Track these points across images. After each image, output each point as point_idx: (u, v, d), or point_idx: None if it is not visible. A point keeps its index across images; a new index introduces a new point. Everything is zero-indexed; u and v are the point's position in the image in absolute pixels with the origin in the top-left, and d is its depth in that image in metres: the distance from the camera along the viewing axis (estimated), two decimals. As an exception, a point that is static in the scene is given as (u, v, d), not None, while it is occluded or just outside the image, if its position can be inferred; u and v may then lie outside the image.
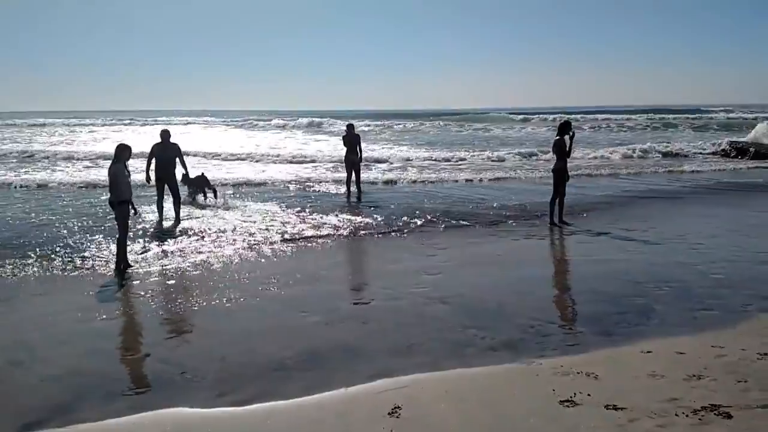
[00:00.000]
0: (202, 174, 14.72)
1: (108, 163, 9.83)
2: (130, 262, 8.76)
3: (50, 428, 4.37)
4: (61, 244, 9.97)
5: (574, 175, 18.68)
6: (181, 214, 12.11)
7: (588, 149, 27.41)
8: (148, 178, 11.99)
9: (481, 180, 18.82)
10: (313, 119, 56.04)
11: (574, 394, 4.58)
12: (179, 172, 12.44)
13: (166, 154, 11.93)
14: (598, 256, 9.25)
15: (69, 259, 9.14)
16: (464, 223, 11.96)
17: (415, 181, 18.34)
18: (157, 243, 10.09)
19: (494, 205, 13.86)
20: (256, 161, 23.66)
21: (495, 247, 9.89)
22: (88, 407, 4.63)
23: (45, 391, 4.92)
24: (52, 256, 9.27)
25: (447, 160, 23.77)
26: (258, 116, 71.42)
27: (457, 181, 18.64)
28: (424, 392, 4.73)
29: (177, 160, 12.09)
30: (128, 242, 9.04)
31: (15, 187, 17.21)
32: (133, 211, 8.90)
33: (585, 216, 12.44)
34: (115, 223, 8.83)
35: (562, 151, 11.27)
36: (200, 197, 14.31)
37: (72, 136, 41.23)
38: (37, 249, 9.64)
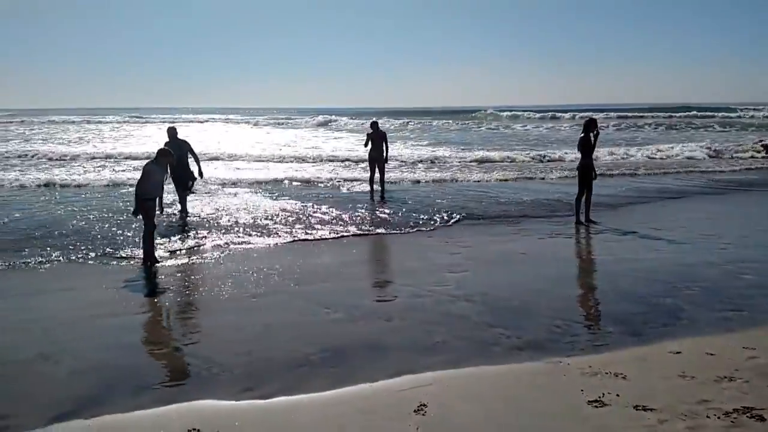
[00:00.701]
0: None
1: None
2: (157, 257, 8.86)
3: (79, 420, 4.43)
4: (90, 240, 10.15)
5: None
6: (206, 211, 12.35)
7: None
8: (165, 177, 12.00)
9: (505, 179, 18.66)
10: (328, 116, 56.59)
11: (603, 394, 4.52)
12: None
13: (180, 151, 11.53)
14: (626, 255, 9.12)
15: (97, 254, 9.28)
16: (488, 221, 11.91)
17: (437, 180, 18.23)
18: (179, 239, 10.19)
19: (518, 203, 13.81)
20: (275, 161, 23.55)
21: (519, 246, 9.80)
22: (116, 400, 4.68)
23: (74, 384, 4.98)
24: (82, 251, 9.41)
25: (475, 159, 23.50)
26: (265, 114, 72.44)
27: (479, 180, 18.48)
28: (449, 391, 4.70)
29: (189, 156, 11.98)
30: (157, 238, 9.15)
31: (53, 186, 17.48)
32: (159, 210, 9.00)
33: (613, 214, 12.30)
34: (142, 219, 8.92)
35: (587, 149, 11.15)
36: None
37: (99, 133, 41.87)
38: (67, 244, 9.81)
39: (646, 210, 13.25)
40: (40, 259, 8.95)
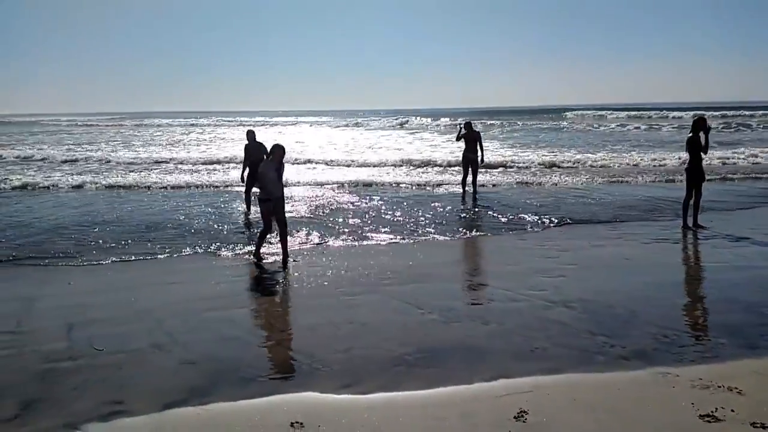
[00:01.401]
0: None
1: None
2: (261, 256, 9.10)
3: (189, 407, 4.66)
4: (199, 236, 10.72)
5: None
6: (303, 212, 12.83)
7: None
8: (242, 177, 13.01)
9: (604, 180, 18.00)
10: (406, 117, 56.93)
11: (716, 408, 4.26)
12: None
13: (256, 153, 12.43)
14: (738, 262, 8.55)
15: (206, 250, 9.78)
16: (586, 224, 11.53)
17: (530, 183, 17.84)
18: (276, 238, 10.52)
19: (619, 206, 13.28)
20: (359, 165, 23.63)
21: (622, 251, 9.40)
22: (223, 390, 4.89)
23: (183, 374, 5.25)
24: (191, 247, 9.96)
25: (569, 161, 22.81)
26: (336, 115, 73.92)
27: (575, 181, 17.91)
28: (550, 398, 4.58)
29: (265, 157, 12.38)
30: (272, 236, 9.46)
31: (164, 188, 18.57)
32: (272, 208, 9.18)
33: (723, 219, 11.58)
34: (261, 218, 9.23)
35: (695, 150, 10.56)
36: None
37: (188, 136, 44.02)
38: (180, 240, 10.46)
39: (760, 215, 12.39)
40: (153, 254, 9.58)
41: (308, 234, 10.71)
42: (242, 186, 13.29)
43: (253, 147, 12.75)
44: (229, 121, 72.27)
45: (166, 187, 18.00)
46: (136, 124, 66.76)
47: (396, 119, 60.76)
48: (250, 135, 13.06)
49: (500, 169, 21.05)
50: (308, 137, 39.11)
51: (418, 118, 61.37)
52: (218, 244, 10.18)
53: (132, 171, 22.00)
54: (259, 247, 9.14)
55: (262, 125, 60.25)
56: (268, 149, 9.37)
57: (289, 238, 10.38)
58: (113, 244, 10.25)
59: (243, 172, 12.99)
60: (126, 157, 27.26)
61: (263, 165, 9.04)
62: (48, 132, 53.64)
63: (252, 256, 9.17)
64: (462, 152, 15.56)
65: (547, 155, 24.64)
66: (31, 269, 8.89)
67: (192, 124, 66.12)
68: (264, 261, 9.03)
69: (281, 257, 8.99)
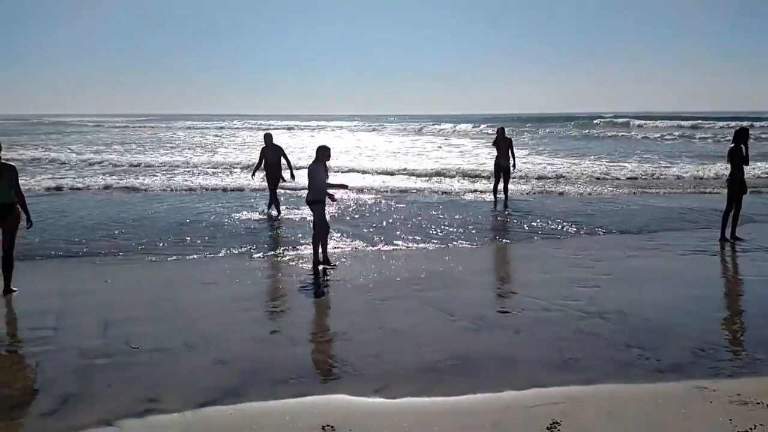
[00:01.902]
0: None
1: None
2: (324, 259, 8.97)
3: (221, 406, 4.71)
4: (235, 237, 10.93)
5: None
6: (337, 216, 12.84)
7: None
8: (253, 174, 14.44)
9: (638, 189, 17.71)
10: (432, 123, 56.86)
11: (755, 426, 4.15)
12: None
13: (273, 155, 13.30)
14: (779, 277, 8.33)
15: (241, 251, 9.94)
16: (623, 233, 11.36)
17: (561, 192, 17.58)
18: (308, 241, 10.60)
19: (656, 216, 13.04)
20: (394, 172, 23.56)
21: (658, 262, 9.22)
22: (254, 391, 4.93)
23: (216, 374, 5.30)
24: (227, 247, 10.14)
25: (602, 170, 22.48)
26: (366, 120, 74.19)
27: (611, 191, 17.65)
28: (583, 410, 4.51)
29: (282, 159, 13.37)
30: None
31: (197, 189, 18.86)
32: (331, 199, 9.05)
33: (763, 232, 11.29)
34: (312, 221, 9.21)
35: (737, 161, 10.32)
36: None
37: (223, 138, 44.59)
38: (214, 241, 10.66)
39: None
40: (188, 254, 9.76)
41: (339, 238, 10.75)
42: (250, 180, 14.87)
43: (270, 149, 13.35)
44: (260, 124, 72.98)
45: (198, 189, 18.26)
46: (165, 126, 68.10)
47: (420, 124, 60.85)
48: (268, 138, 13.60)
49: (531, 177, 20.83)
50: (338, 142, 39.36)
51: (441, 124, 61.18)
52: (251, 245, 10.32)
53: (165, 172, 22.38)
54: (316, 250, 8.98)
55: (288, 129, 60.92)
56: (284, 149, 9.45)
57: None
58: (149, 244, 10.46)
59: (255, 170, 14.13)
60: (158, 158, 27.82)
61: (314, 167, 8.87)
62: (81, 133, 54.77)
63: (313, 264, 8.99)
64: (494, 159, 15.48)
65: (583, 164, 24.36)
66: (70, 266, 9.13)
67: (221, 127, 67.12)
68: (331, 267, 8.93)
69: (322, 259, 8.97)
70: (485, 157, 25.93)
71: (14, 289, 7.68)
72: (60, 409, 4.66)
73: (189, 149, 34.75)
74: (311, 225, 9.32)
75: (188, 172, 22.73)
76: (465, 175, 21.49)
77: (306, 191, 9.25)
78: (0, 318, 6.87)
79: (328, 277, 8.40)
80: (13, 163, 7.79)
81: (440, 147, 35.68)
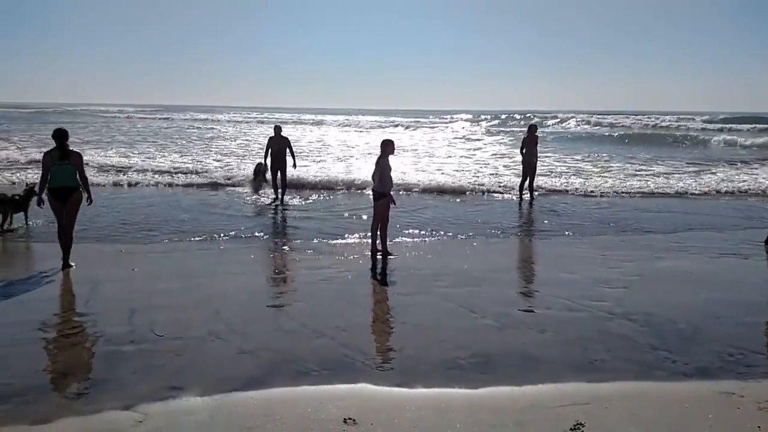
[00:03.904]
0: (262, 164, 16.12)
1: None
2: (386, 251, 9.23)
3: (245, 393, 4.76)
4: (261, 228, 10.98)
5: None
6: (359, 212, 12.78)
7: None
8: (264, 162, 15.27)
9: (661, 190, 17.35)
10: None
11: (785, 434, 4.06)
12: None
13: (280, 145, 14.52)
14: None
15: (267, 241, 10.01)
16: (651, 233, 11.19)
17: (587, 191, 17.15)
18: (334, 234, 10.63)
19: (685, 218, 12.81)
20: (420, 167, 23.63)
21: (687, 264, 9.05)
22: (277, 381, 4.96)
23: (240, 363, 5.34)
24: (253, 238, 10.21)
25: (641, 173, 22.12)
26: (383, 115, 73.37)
27: (641, 192, 17.31)
28: (607, 412, 4.45)
29: (288, 150, 14.57)
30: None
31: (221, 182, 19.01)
32: (392, 203, 9.39)
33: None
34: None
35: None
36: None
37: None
38: (241, 232, 10.74)
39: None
40: (215, 244, 9.87)
41: (360, 233, 10.73)
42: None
43: (277, 140, 14.58)
44: (290, 117, 72.61)
45: (224, 181, 18.38)
46: (184, 119, 66.98)
47: (438, 119, 60.47)
48: (277, 129, 14.88)
49: (556, 175, 20.53)
50: (353, 138, 39.35)
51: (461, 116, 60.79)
52: (278, 237, 10.40)
53: (190, 162, 22.54)
54: (374, 239, 9.31)
55: (312, 123, 60.59)
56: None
57: (345, 235, 10.52)
58: (175, 233, 10.59)
59: (265, 159, 14.93)
60: (183, 149, 28.07)
61: (385, 161, 9.09)
62: (104, 124, 54.84)
63: (371, 252, 9.31)
64: (522, 156, 15.32)
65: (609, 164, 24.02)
66: (99, 253, 9.25)
67: (246, 121, 65.89)
68: (391, 256, 9.12)
69: (380, 249, 9.23)
70: (507, 154, 25.76)
71: (72, 264, 8.34)
72: (86, 394, 4.74)
73: (214, 140, 34.97)
74: (372, 215, 9.49)
75: (212, 161, 22.79)
76: (488, 171, 21.36)
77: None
78: (33, 302, 7.00)
79: (350, 271, 8.39)
80: (78, 150, 8.63)
81: (466, 141, 35.44)
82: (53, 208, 8.35)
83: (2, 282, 7.73)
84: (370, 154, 26.29)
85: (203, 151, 27.43)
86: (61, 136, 8.19)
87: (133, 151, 26.87)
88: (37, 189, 8.85)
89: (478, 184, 17.29)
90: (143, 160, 22.47)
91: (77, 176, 8.32)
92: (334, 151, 29.48)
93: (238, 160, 23.21)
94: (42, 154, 8.54)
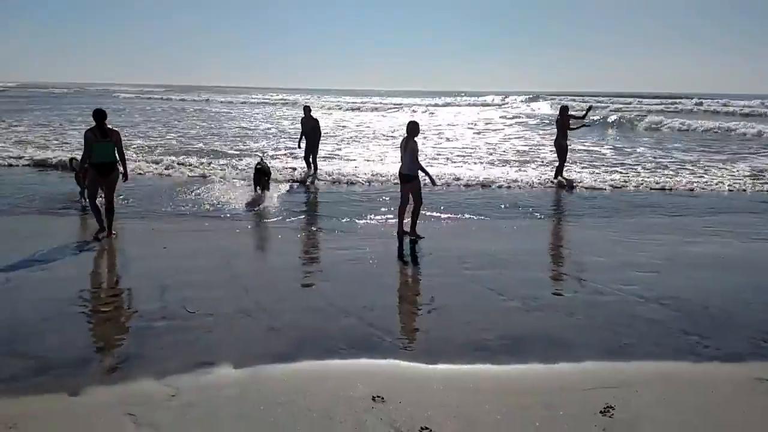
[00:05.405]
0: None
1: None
2: (410, 232, 9.22)
3: (275, 367, 4.87)
4: (290, 207, 11.12)
5: None
6: (386, 198, 12.84)
7: None
8: (299, 144, 15.72)
9: (690, 174, 16.95)
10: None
11: (820, 422, 3.98)
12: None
13: (308, 125, 15.19)
14: None
15: (295, 221, 10.10)
16: (683, 216, 11.03)
17: (622, 182, 16.87)
18: (357, 216, 10.65)
19: (716, 203, 12.57)
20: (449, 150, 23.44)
21: (720, 248, 8.89)
22: (306, 359, 5.03)
23: (269, 340, 5.42)
24: (283, 218, 10.27)
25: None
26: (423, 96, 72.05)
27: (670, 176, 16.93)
28: (637, 395, 4.42)
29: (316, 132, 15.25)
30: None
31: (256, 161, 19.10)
32: (430, 181, 9.45)
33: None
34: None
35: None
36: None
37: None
38: (271, 211, 10.86)
39: None
40: (246, 223, 9.99)
41: (388, 215, 10.73)
42: (301, 152, 15.89)
43: (307, 120, 15.17)
44: (329, 99, 71.05)
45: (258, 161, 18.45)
46: (223, 101, 65.90)
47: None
48: (307, 110, 15.41)
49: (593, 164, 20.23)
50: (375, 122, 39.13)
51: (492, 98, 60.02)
52: (306, 217, 10.47)
53: (227, 143, 22.68)
54: (401, 220, 9.35)
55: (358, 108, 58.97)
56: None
57: (372, 217, 10.54)
58: (207, 212, 10.71)
59: (300, 140, 15.54)
60: (221, 129, 28.27)
61: (414, 143, 9.06)
62: (132, 105, 55.17)
63: (398, 233, 9.29)
64: (555, 139, 15.13)
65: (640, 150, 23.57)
66: (130, 232, 9.39)
67: (284, 102, 64.72)
68: (421, 238, 9.11)
69: (409, 230, 9.22)
70: (537, 137, 25.45)
71: (114, 232, 8.98)
72: (119, 368, 4.86)
73: (256, 121, 35.10)
74: (399, 196, 9.46)
75: (249, 140, 22.93)
76: (518, 153, 21.12)
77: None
78: (67, 278, 7.16)
79: (375, 253, 8.39)
80: (117, 129, 9.17)
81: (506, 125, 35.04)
82: (94, 181, 8.95)
83: (41, 252, 7.94)
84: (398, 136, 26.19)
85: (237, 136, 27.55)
86: (100, 115, 8.74)
87: (171, 131, 27.21)
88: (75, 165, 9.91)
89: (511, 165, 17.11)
90: (178, 142, 22.67)
91: (116, 153, 8.84)
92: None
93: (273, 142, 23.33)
94: (84, 132, 9.08)
